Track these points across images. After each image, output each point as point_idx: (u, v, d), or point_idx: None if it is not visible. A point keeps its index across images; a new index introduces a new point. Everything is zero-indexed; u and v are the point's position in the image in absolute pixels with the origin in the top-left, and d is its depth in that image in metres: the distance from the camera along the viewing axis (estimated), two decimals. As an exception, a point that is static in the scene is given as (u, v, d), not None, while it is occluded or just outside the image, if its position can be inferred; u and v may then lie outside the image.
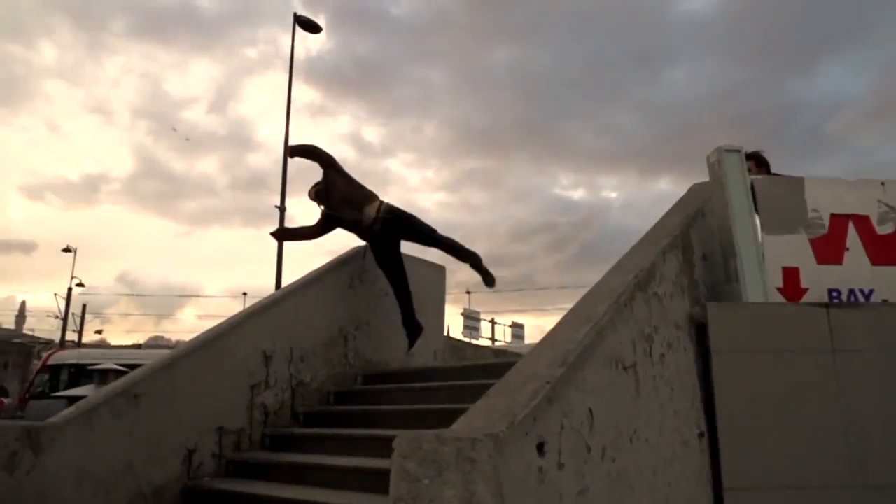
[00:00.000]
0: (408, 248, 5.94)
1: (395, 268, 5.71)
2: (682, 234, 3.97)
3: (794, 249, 4.24)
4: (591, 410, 2.50)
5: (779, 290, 4.11)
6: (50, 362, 18.80)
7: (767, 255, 4.17)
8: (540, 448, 2.10)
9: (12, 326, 56.66)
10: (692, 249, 4.09)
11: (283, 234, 7.32)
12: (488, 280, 5.86)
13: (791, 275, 4.17)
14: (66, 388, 14.95)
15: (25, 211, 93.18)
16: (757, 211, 4.26)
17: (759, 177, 4.48)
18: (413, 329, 5.82)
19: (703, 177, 4.63)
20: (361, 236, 5.76)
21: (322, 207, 5.87)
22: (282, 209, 15.49)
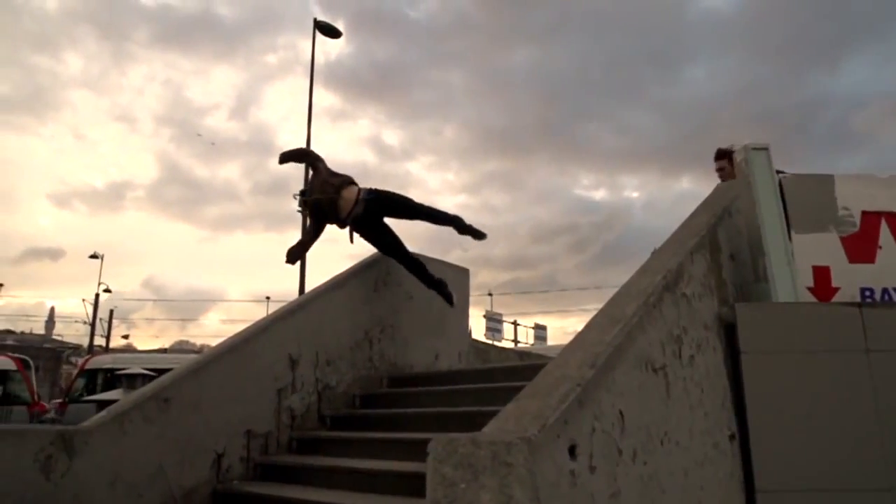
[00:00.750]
0: (423, 248, 5.95)
1: (393, 246, 5.70)
2: (709, 233, 3.93)
3: (824, 248, 4.17)
4: (621, 413, 2.48)
5: (809, 289, 4.05)
6: (87, 367, 19.25)
7: (797, 253, 4.11)
8: (571, 451, 2.09)
9: (42, 332, 57.61)
10: (720, 249, 4.04)
11: (296, 253, 7.03)
12: (478, 234, 5.85)
13: (822, 274, 4.11)
14: (103, 391, 15.21)
15: (53, 218, 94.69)
16: (786, 209, 4.20)
17: (788, 174, 4.42)
18: (439, 286, 5.88)
19: None
20: (342, 223, 5.68)
21: (307, 202, 5.87)
22: (303, 213, 15.56)
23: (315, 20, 17.40)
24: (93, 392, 15.92)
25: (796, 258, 4.09)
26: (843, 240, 4.19)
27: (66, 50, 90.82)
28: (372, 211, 5.55)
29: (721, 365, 3.56)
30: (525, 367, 5.87)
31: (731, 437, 3.41)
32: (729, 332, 3.67)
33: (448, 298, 5.93)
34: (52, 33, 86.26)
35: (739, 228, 4.41)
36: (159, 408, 4.21)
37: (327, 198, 5.52)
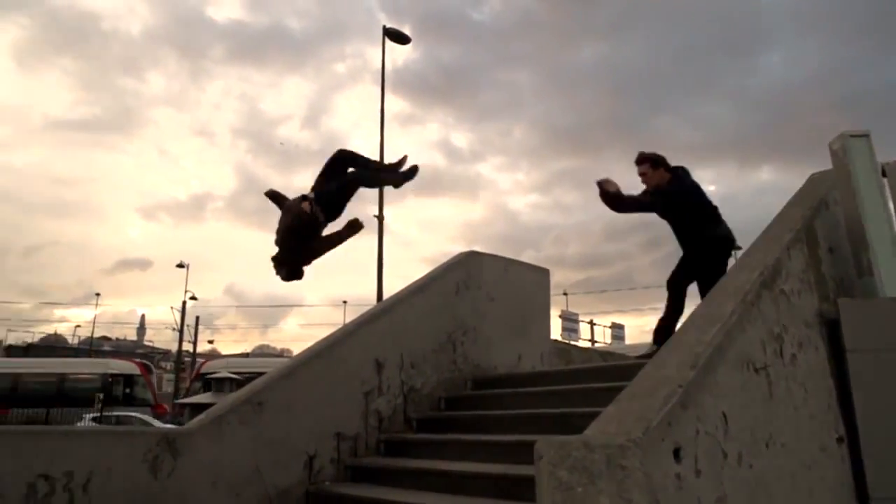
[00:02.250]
0: (498, 249, 5.91)
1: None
2: (805, 227, 3.76)
3: (934, 238, 3.92)
4: (724, 414, 2.40)
5: (919, 283, 3.81)
6: (202, 371, 20.50)
7: (904, 245, 3.87)
8: (676, 454, 2.03)
9: (135, 338, 60.73)
10: (817, 243, 3.86)
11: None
12: (411, 173, 5.27)
13: (932, 266, 3.86)
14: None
15: (142, 230, 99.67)
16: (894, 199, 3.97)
17: (892, 162, 4.18)
18: (390, 172, 5.33)
19: (811, 163, 4.37)
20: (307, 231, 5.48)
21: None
22: (380, 218, 15.84)
23: (384, 27, 17.66)
24: (209, 395, 16.75)
25: (903, 250, 3.86)
26: (956, 229, 3.93)
27: (150, 70, 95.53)
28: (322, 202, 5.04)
29: (825, 364, 3.40)
30: (611, 367, 5.78)
31: (839, 440, 3.25)
32: (832, 329, 3.50)
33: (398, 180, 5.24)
34: (136, 56, 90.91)
35: (838, 221, 4.20)
36: (254, 411, 4.36)
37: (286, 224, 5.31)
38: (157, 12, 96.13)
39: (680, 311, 5.05)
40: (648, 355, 4.23)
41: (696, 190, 5.07)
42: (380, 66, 17.44)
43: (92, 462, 3.64)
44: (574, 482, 1.52)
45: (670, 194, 4.98)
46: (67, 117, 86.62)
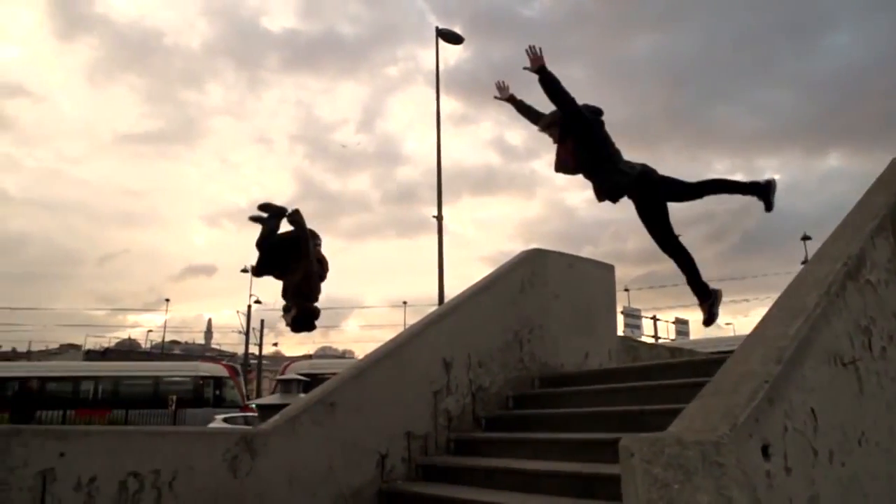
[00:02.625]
0: (556, 246, 5.86)
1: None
2: (890, 214, 3.59)
3: None
4: (813, 411, 2.31)
5: None
6: (288, 372, 21.31)
7: None
8: (765, 451, 1.98)
9: (202, 341, 62.71)
10: (903, 231, 3.68)
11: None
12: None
13: None
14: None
15: (206, 237, 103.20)
16: None
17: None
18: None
19: (884, 148, 4.18)
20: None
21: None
22: (439, 218, 15.92)
23: (437, 28, 17.73)
24: (293, 397, 17.27)
25: None
26: None
27: (209, 82, 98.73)
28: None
29: (917, 357, 3.24)
30: (681, 363, 5.65)
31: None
32: (923, 321, 3.33)
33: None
34: (196, 69, 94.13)
35: (925, 206, 3.99)
36: (326, 411, 4.45)
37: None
38: (214, 25, 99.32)
39: (690, 258, 4.87)
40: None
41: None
42: (431, 67, 17.55)
43: (176, 461, 3.78)
44: (669, 479, 1.49)
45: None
46: (134, 131, 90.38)
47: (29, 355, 40.01)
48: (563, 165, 4.94)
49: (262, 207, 6.16)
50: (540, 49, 4.72)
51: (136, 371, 26.75)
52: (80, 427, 6.39)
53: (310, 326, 5.93)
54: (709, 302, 4.73)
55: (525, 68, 4.77)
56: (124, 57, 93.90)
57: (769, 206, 4.63)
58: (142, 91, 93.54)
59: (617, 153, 4.85)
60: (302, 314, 5.72)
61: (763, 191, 4.64)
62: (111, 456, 3.58)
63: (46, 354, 45.88)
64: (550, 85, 4.73)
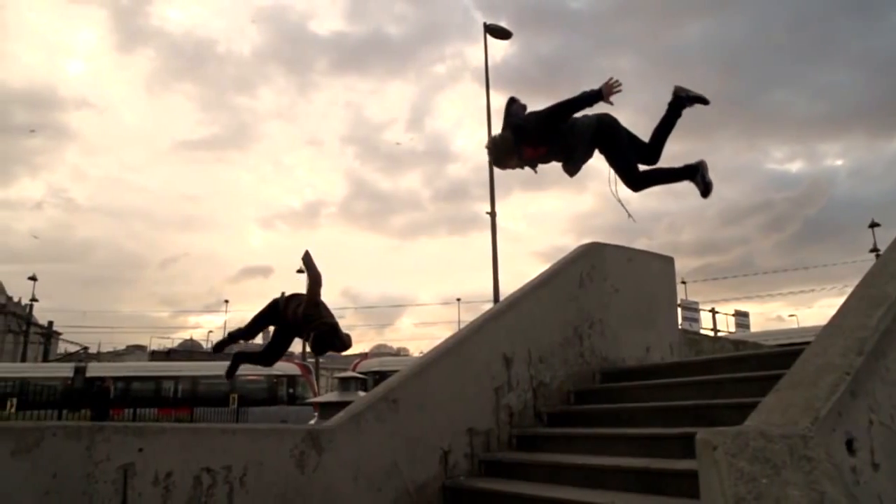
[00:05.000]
0: (609, 240, 5.78)
1: None
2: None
3: None
4: (898, 404, 2.23)
5: None
6: (358, 370, 21.89)
7: None
8: (849, 445, 1.91)
9: (261, 341, 64.23)
10: None
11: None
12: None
13: None
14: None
15: (261, 239, 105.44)
16: None
17: None
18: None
19: None
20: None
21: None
22: (492, 214, 15.92)
23: (485, 24, 17.68)
24: (366, 393, 17.72)
25: None
26: None
27: (260, 87, 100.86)
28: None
29: None
30: (747, 356, 5.53)
31: None
32: None
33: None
34: (248, 75, 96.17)
35: None
36: (389, 408, 4.49)
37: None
38: (264, 32, 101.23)
39: (657, 169, 4.49)
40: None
41: None
42: (478, 63, 17.74)
43: (247, 457, 3.88)
44: (757, 473, 1.45)
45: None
46: (191, 138, 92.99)
47: (98, 356, 41.61)
48: (569, 168, 4.63)
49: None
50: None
51: (214, 371, 27.64)
52: (156, 424, 6.64)
53: (331, 343, 6.12)
54: (697, 175, 4.37)
55: None
56: (179, 66, 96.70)
57: (706, 190, 4.32)
58: (197, 98, 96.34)
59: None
60: (318, 335, 5.90)
61: (693, 172, 4.34)
62: (185, 452, 3.71)
63: (114, 355, 47.71)
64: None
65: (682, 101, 4.40)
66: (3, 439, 3.22)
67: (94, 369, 26.83)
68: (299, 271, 40.37)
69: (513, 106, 4.57)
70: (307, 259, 5.80)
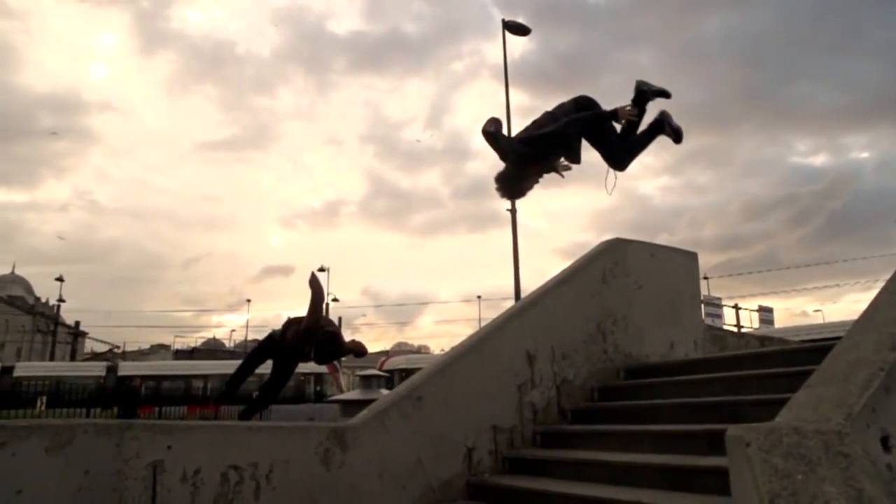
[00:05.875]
0: (630, 236, 5.74)
1: None
2: None
3: None
4: (934, 400, 2.19)
5: None
6: (385, 367, 22.12)
7: None
8: (885, 442, 1.88)
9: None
10: None
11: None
12: None
13: None
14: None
15: (282, 239, 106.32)
16: None
17: None
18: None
19: None
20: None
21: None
22: (513, 211, 15.90)
23: (504, 21, 17.64)
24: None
25: None
26: None
27: (279, 87, 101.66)
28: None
29: None
30: (774, 352, 5.46)
31: None
32: None
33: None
34: (267, 75, 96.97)
35: None
36: (413, 405, 4.51)
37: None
38: (283, 32, 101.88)
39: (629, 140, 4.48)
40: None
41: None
42: (496, 60, 17.72)
43: (272, 454, 3.91)
44: (792, 469, 1.44)
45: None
46: (211, 139, 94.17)
47: (124, 355, 42.22)
48: (571, 158, 4.55)
49: None
50: None
51: None
52: (184, 422, 6.75)
53: (332, 351, 6.33)
54: (666, 126, 4.40)
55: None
56: (199, 68, 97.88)
57: (677, 137, 4.37)
58: (216, 100, 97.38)
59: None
60: (318, 344, 6.09)
61: (661, 126, 4.38)
62: (213, 449, 3.75)
63: (139, 354, 48.37)
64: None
65: (644, 94, 4.42)
66: (38, 436, 3.29)
67: (126, 368, 27.28)
68: (320, 269, 40.68)
69: (499, 134, 4.55)
70: (314, 281, 6.02)
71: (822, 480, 1.41)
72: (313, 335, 5.95)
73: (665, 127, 4.37)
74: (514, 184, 4.49)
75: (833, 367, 2.15)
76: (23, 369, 26.75)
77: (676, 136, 4.39)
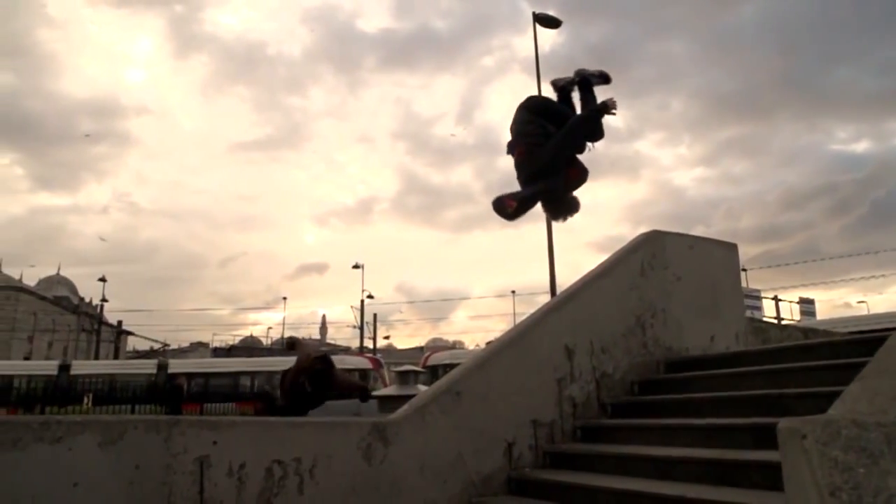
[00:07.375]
0: (666, 228, 5.65)
1: None
2: None
3: None
4: None
5: None
6: (429, 363, 22.32)
7: None
8: (942, 435, 1.83)
9: (318, 337, 65.37)
10: None
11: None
12: None
13: None
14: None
15: (316, 237, 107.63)
16: None
17: None
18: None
19: None
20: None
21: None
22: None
23: (534, 13, 17.54)
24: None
25: None
26: None
27: (311, 87, 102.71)
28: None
29: None
30: (819, 345, 5.35)
31: None
32: None
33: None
34: (299, 75, 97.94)
35: None
36: (453, 401, 4.52)
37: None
38: (313, 32, 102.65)
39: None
40: None
41: None
42: (527, 54, 17.89)
43: (315, 449, 3.96)
44: (853, 462, 1.41)
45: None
46: (245, 139, 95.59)
47: (164, 353, 43.10)
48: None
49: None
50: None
51: (287, 366, 28.37)
52: (228, 418, 6.91)
53: (330, 383, 6.75)
54: (588, 80, 4.56)
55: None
56: (232, 70, 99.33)
57: (605, 78, 4.58)
58: (250, 100, 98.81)
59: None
60: (312, 376, 6.51)
61: (588, 82, 4.54)
62: (257, 445, 3.81)
63: (179, 352, 49.32)
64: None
65: (588, 81, 4.55)
66: (92, 432, 3.38)
67: (175, 366, 27.89)
68: (354, 267, 40.93)
69: (519, 208, 4.44)
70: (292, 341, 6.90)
71: (887, 474, 1.38)
72: (307, 369, 6.47)
73: (591, 80, 4.52)
74: (561, 201, 4.58)
75: (888, 359, 2.11)
76: (79, 367, 27.47)
77: (604, 79, 4.55)
